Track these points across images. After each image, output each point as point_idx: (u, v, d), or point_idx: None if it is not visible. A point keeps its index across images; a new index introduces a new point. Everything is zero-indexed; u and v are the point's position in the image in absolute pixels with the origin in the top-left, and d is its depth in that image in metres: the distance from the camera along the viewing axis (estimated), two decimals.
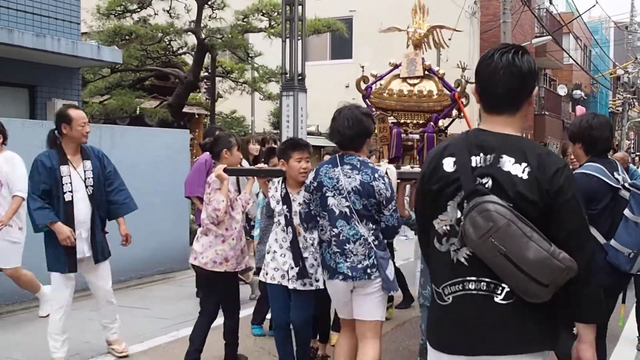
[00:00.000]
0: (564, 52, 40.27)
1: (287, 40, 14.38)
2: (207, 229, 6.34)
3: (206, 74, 20.55)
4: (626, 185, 5.06)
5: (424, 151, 7.46)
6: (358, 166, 5.24)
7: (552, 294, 3.03)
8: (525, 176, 3.01)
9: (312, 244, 5.86)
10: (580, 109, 47.26)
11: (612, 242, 4.99)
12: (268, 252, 6.16)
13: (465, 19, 26.77)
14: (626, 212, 4.96)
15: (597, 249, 4.72)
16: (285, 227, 6.00)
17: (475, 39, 29.23)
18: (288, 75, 14.36)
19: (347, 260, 5.18)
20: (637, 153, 58.36)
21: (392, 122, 7.95)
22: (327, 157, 8.19)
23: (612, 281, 5.02)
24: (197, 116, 24.39)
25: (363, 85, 8.09)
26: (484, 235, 2.96)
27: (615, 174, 5.09)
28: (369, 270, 5.19)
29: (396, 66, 8.08)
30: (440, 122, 7.99)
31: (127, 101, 17.57)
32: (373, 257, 5.20)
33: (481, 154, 3.11)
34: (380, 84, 8.09)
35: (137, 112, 18.37)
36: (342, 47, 28.87)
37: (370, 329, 5.35)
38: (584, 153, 5.25)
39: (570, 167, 6.96)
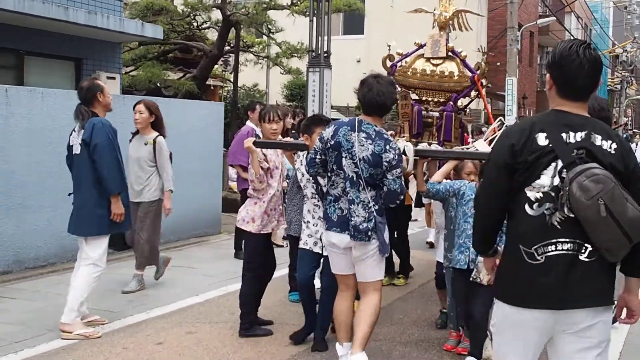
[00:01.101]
0: (566, 31, 40.86)
1: (314, 19, 15.10)
2: (250, 193, 6.92)
3: (227, 47, 21.03)
4: None
5: (442, 128, 7.85)
6: (373, 136, 5.52)
7: (626, 253, 3.52)
8: (612, 151, 3.52)
9: None
10: None
11: None
12: (303, 222, 6.71)
13: None
14: None
15: None
16: (314, 198, 6.57)
17: (483, 19, 29.72)
18: (314, 53, 15.11)
19: (352, 219, 5.53)
20: (636, 130, 59.14)
21: (413, 100, 8.16)
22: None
23: None
24: (212, 87, 24.96)
25: (389, 63, 8.36)
26: (594, 197, 3.37)
27: None
28: (369, 233, 5.54)
29: (421, 46, 8.37)
30: (460, 102, 8.36)
31: (156, 73, 18.17)
32: (373, 221, 5.55)
33: (570, 132, 3.55)
34: (405, 62, 8.36)
35: (158, 84, 18.90)
36: (354, 23, 29.30)
37: (371, 286, 5.80)
38: None
39: None
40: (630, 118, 67.71)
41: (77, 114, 6.99)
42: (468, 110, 8.17)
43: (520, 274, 3.59)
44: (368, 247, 5.61)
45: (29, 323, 7.17)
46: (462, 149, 6.99)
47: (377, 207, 5.59)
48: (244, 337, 6.83)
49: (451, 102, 7.96)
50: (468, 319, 6.30)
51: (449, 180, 6.56)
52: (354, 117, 5.73)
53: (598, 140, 3.53)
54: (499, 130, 6.91)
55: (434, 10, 8.45)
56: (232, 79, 23.41)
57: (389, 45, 8.43)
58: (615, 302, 3.79)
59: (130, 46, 19.34)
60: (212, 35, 22.52)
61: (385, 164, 5.47)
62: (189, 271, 9.80)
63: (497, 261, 3.88)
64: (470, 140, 8.36)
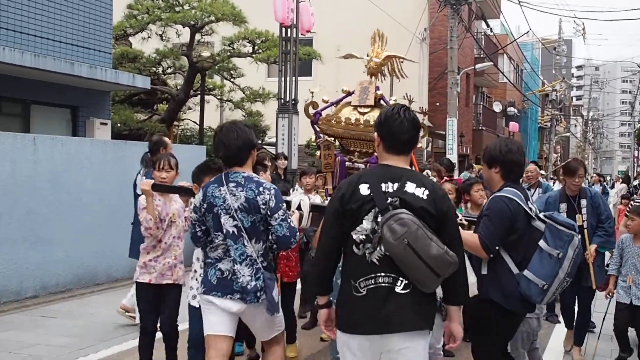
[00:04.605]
0: (500, 72, 43.02)
1: (282, 69, 16.75)
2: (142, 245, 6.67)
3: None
4: (541, 216, 5.10)
5: None
6: (242, 183, 5.07)
7: (438, 285, 4.04)
8: (424, 197, 4.03)
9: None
10: (513, 125, 50.12)
11: (526, 272, 4.94)
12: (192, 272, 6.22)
13: (416, 44, 28.88)
14: (541, 242, 4.93)
15: (509, 277, 4.97)
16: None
17: (424, 62, 31.38)
18: (283, 100, 16.68)
19: (238, 280, 5.05)
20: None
21: (340, 150, 7.98)
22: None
23: (524, 308, 5.15)
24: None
25: (312, 111, 8.10)
26: (399, 237, 3.86)
27: (528, 203, 5.11)
28: (258, 293, 5.08)
29: (349, 93, 8.09)
30: None
31: (129, 116, 19.50)
32: (261, 279, 5.09)
33: (389, 182, 4.06)
34: (332, 110, 8.15)
35: (130, 127, 19.98)
36: (303, 66, 30.72)
37: (273, 340, 5.50)
38: (501, 178, 5.21)
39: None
40: (560, 154, 70.42)
41: (143, 160, 8.47)
42: None
43: (349, 305, 4.09)
44: (258, 310, 5.20)
45: (81, 336, 8.54)
46: None
47: (265, 263, 5.16)
48: None
49: (376, 154, 7.29)
50: None
51: None
52: (220, 173, 5.30)
53: (411, 187, 4.06)
54: None
55: (367, 55, 8.21)
56: (184, 119, 24.94)
57: (312, 92, 8.21)
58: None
59: None
60: (171, 79, 24.12)
61: (263, 206, 5.04)
62: None
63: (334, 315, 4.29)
64: None
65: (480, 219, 5.13)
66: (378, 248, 3.99)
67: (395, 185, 4.06)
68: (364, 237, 4.04)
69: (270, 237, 5.15)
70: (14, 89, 13.47)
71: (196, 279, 5.91)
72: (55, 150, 10.81)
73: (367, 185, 4.08)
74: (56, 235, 10.77)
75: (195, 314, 5.84)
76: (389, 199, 4.02)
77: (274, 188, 5.14)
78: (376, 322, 3.97)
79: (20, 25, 13.14)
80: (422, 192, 4.05)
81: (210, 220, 5.12)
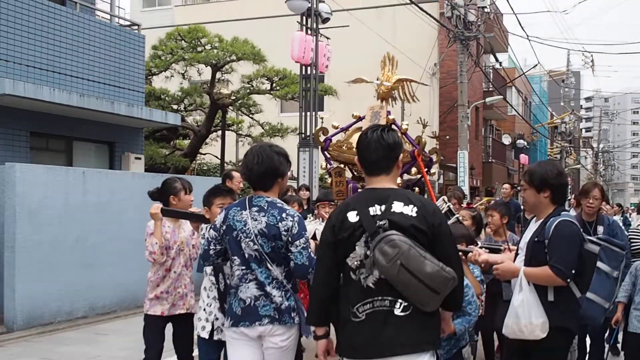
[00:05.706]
0: (509, 105, 43.82)
1: (303, 105, 18.07)
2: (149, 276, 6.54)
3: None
4: (594, 239, 4.99)
5: None
6: (265, 207, 4.86)
7: (440, 303, 3.93)
8: (414, 214, 3.95)
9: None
10: (523, 157, 50.79)
11: (589, 294, 4.89)
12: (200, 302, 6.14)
13: (426, 79, 29.78)
14: (600, 264, 4.91)
15: (575, 301, 4.85)
16: (212, 275, 5.93)
17: (435, 96, 32.36)
18: (304, 135, 17.75)
19: (271, 301, 4.80)
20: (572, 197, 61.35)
21: (351, 177, 7.85)
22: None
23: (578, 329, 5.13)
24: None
25: (322, 137, 7.99)
26: (392, 259, 3.79)
27: None
28: (293, 314, 4.85)
29: (360, 118, 7.94)
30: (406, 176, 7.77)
31: (155, 151, 20.62)
32: (293, 299, 4.89)
33: (376, 205, 3.99)
34: (342, 136, 8.02)
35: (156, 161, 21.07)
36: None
37: None
38: (550, 202, 5.03)
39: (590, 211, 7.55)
40: (570, 186, 71.01)
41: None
42: (417, 189, 7.76)
43: (348, 330, 4.02)
44: (288, 333, 4.88)
45: (138, 349, 8.89)
46: None
47: (290, 285, 4.92)
48: None
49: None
50: None
51: None
52: (245, 197, 5.06)
53: (399, 207, 3.99)
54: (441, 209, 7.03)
55: (377, 79, 8.09)
56: (206, 154, 25.97)
57: (322, 118, 8.24)
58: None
59: None
60: (190, 115, 25.27)
61: (284, 233, 4.80)
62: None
63: (331, 346, 4.32)
64: None
65: (540, 242, 4.93)
66: (373, 272, 3.93)
67: (383, 207, 3.99)
68: (358, 262, 3.99)
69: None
70: (59, 126, 14.63)
71: (204, 309, 5.93)
72: (101, 183, 11.85)
73: (355, 212, 4.02)
74: (103, 260, 11.74)
75: (205, 346, 5.99)
76: (378, 222, 3.95)
77: (297, 215, 4.94)
78: (376, 347, 3.89)
79: (63, 67, 14.37)
80: (410, 210, 3.98)
81: (228, 243, 4.93)
